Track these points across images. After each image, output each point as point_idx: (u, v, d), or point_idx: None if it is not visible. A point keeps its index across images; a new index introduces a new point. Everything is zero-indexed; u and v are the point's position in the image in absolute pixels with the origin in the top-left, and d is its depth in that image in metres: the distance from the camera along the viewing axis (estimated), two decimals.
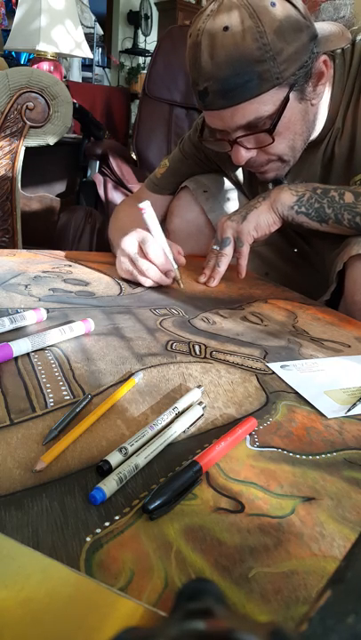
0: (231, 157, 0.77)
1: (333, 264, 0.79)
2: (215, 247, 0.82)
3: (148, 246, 0.72)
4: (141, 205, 0.72)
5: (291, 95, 0.70)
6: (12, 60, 2.93)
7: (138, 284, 0.76)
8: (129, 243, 0.74)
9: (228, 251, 0.81)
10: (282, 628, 0.13)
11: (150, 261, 0.73)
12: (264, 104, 0.70)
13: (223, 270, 0.81)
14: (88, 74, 4.35)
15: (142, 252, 0.74)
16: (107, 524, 0.29)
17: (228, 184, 1.04)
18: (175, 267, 0.76)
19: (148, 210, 0.72)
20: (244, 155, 0.76)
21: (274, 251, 1.05)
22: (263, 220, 0.79)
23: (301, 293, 0.84)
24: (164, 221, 1.03)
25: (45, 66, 2.05)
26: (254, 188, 0.97)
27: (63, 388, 0.43)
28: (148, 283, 0.75)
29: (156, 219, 0.74)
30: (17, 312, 0.56)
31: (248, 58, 0.65)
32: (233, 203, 1.02)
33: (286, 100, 0.70)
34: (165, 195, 1.06)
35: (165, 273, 0.75)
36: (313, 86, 0.73)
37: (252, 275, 0.93)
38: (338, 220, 0.75)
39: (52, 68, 2.06)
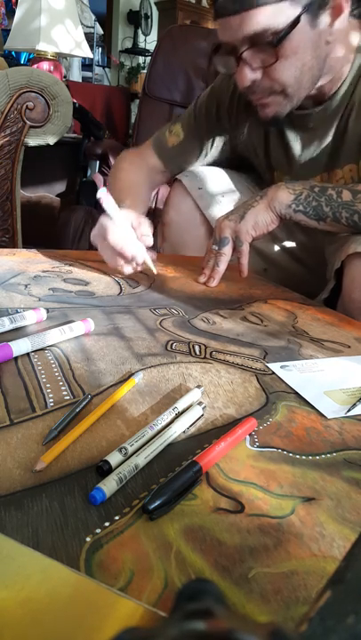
0: (236, 80, 0.76)
1: (331, 262, 0.79)
2: (214, 247, 0.82)
3: (107, 235, 0.72)
4: (99, 195, 0.71)
5: (303, 17, 0.69)
6: (12, 59, 2.92)
7: (138, 283, 0.76)
8: (93, 236, 0.76)
9: (227, 250, 0.81)
10: (282, 629, 0.13)
11: (113, 249, 0.73)
12: (273, 16, 0.69)
13: (222, 270, 0.81)
14: (88, 73, 4.35)
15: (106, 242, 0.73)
16: (107, 524, 0.29)
17: (223, 181, 1.03)
18: (143, 250, 0.74)
19: (105, 198, 0.71)
20: (249, 75, 0.74)
21: (273, 246, 1.05)
22: (261, 220, 0.79)
23: (300, 290, 0.84)
24: (156, 195, 1.02)
25: (45, 65, 2.05)
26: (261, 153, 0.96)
27: (63, 388, 0.43)
28: (123, 271, 0.75)
29: (115, 204, 0.73)
30: (17, 312, 0.56)
31: None
32: (228, 199, 1.02)
33: (297, 20, 0.69)
34: (168, 171, 1.04)
35: (133, 258, 0.74)
36: (329, 20, 0.72)
37: (252, 274, 0.93)
38: (336, 219, 0.75)
39: (51, 67, 2.06)
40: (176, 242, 1.04)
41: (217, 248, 0.81)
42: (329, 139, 0.85)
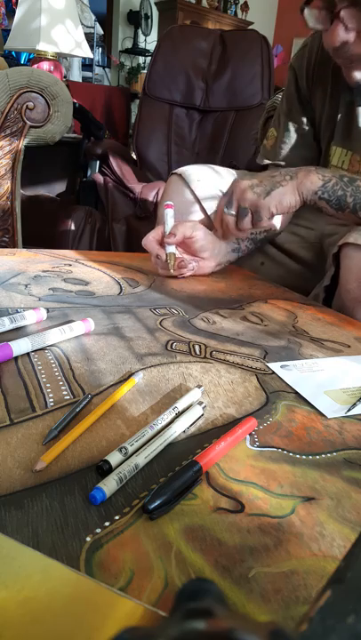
0: (325, 39, 0.73)
1: (330, 253, 0.79)
2: (227, 211, 0.81)
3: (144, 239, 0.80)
4: (166, 204, 0.82)
5: None
6: (12, 59, 2.93)
7: (138, 283, 0.76)
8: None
9: (247, 224, 0.80)
10: (282, 628, 0.13)
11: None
12: None
13: (239, 235, 0.83)
14: (88, 74, 4.35)
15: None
16: (107, 523, 0.29)
17: (223, 176, 1.03)
18: (169, 251, 0.79)
19: (168, 209, 0.82)
20: (341, 35, 0.70)
21: (271, 241, 1.04)
22: (286, 201, 0.78)
23: (297, 287, 0.84)
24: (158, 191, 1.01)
25: (45, 65, 2.05)
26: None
27: (63, 387, 0.43)
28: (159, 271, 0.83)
29: (172, 216, 0.81)
30: (17, 312, 0.56)
31: None
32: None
33: None
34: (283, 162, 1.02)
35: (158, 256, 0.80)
36: None
37: (250, 274, 0.93)
38: (354, 210, 0.76)
39: (52, 67, 2.06)
40: None
41: (233, 213, 0.80)
42: None
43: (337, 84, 0.89)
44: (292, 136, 0.99)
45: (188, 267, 0.82)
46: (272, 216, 0.79)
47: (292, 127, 0.99)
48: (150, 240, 0.81)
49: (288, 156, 1.00)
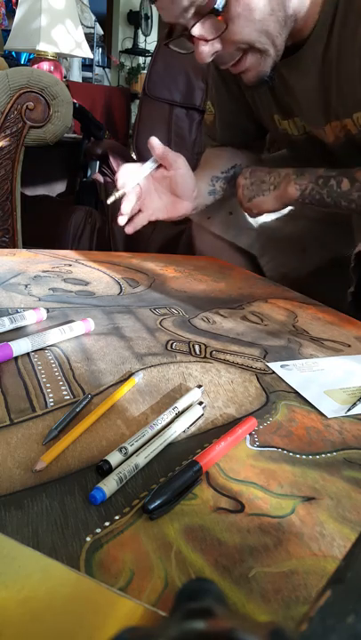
0: (198, 60, 0.70)
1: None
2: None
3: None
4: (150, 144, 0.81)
5: None
6: (12, 60, 2.92)
7: (138, 283, 0.76)
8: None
9: None
10: (282, 628, 0.13)
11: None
12: None
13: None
14: (88, 74, 4.35)
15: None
16: (107, 523, 0.29)
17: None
18: (126, 188, 0.79)
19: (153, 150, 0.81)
20: (206, 49, 0.67)
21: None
22: (265, 208, 0.87)
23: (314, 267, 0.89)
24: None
25: (45, 66, 2.05)
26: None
27: (63, 387, 0.43)
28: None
29: (153, 161, 0.82)
30: (17, 312, 0.56)
31: None
32: (237, 217, 1.02)
33: None
34: (222, 145, 1.01)
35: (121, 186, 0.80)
36: None
37: (250, 273, 0.93)
38: (336, 206, 0.80)
39: (52, 67, 2.06)
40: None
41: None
42: (325, 82, 0.76)
43: None
44: (226, 117, 0.98)
45: (136, 221, 0.83)
46: (255, 216, 0.89)
47: (224, 108, 0.97)
48: (124, 169, 0.81)
49: (226, 135, 1.00)
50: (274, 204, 0.86)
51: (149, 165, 0.81)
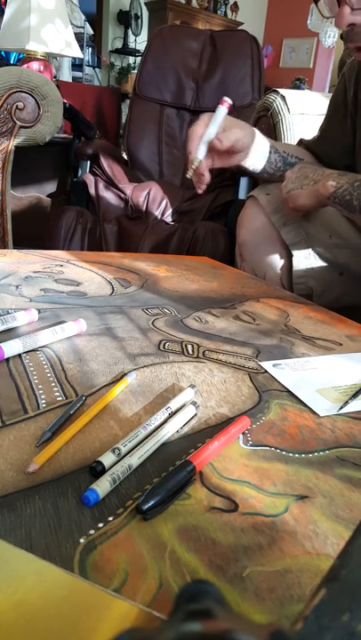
0: (335, 24, 0.75)
1: None
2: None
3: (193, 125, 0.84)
4: (225, 98, 0.82)
5: None
6: (2, 59, 2.91)
7: (130, 283, 0.76)
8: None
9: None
10: (282, 630, 0.13)
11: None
12: None
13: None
14: (78, 74, 4.34)
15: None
16: (100, 525, 0.29)
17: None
18: (199, 156, 0.82)
19: (222, 107, 0.82)
20: (348, 17, 0.72)
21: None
22: (300, 203, 0.87)
23: None
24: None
25: (35, 65, 2.04)
26: None
27: (55, 389, 0.43)
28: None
29: (222, 118, 0.83)
30: (8, 313, 0.55)
31: None
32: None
33: None
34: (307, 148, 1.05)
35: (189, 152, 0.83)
36: None
37: (242, 273, 0.93)
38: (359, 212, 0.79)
39: (41, 67, 2.05)
40: (253, 261, 1.01)
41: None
42: None
43: None
44: (329, 144, 1.01)
45: (201, 186, 0.87)
46: (291, 210, 0.89)
47: (330, 135, 1.01)
48: (194, 132, 0.83)
49: (318, 144, 1.03)
50: (308, 199, 0.85)
51: (213, 130, 0.83)
